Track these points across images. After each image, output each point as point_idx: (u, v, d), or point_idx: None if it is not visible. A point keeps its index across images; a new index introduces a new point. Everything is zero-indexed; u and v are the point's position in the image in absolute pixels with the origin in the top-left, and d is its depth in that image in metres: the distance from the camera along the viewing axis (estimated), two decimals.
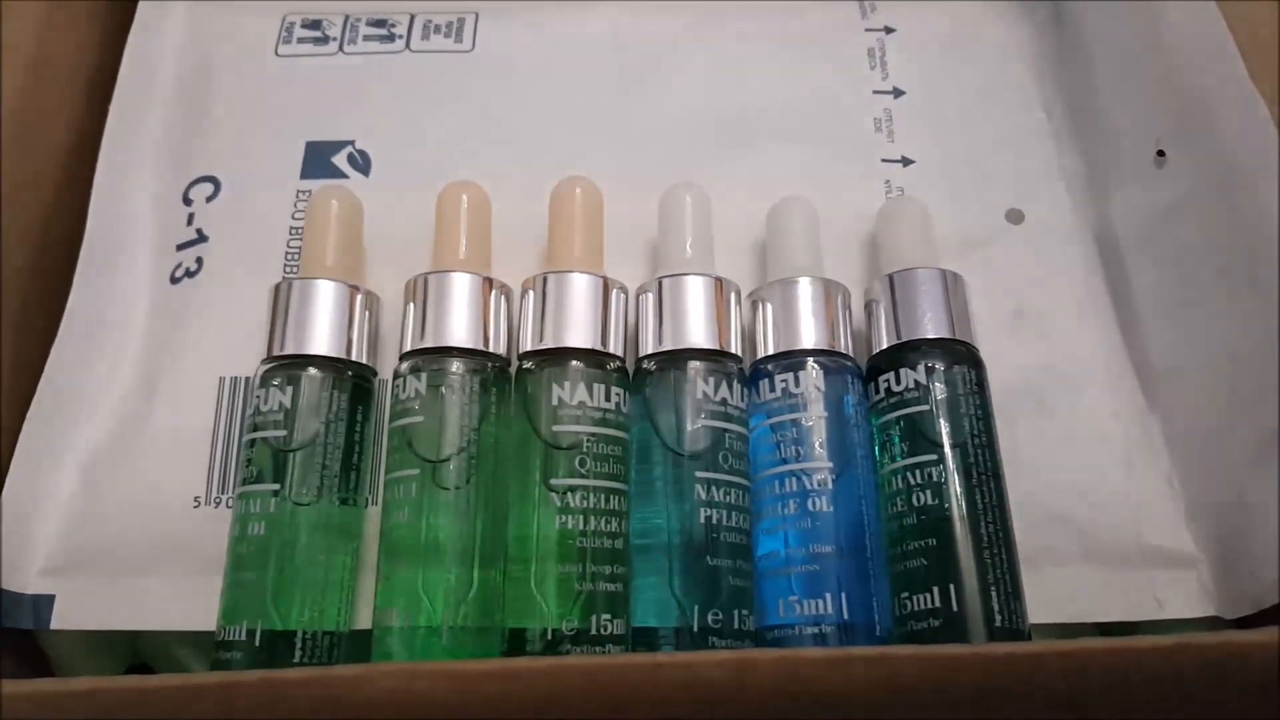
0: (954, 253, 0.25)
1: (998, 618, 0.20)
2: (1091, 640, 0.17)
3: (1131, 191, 0.26)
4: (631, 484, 0.22)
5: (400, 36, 0.29)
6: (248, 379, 0.24)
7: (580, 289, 0.23)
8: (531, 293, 0.23)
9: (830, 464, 0.22)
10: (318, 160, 0.27)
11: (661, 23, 0.29)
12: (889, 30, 0.29)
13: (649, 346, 0.23)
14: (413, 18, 0.29)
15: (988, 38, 0.29)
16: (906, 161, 0.27)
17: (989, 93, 0.28)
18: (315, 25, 0.29)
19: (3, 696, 0.17)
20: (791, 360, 0.23)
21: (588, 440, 0.22)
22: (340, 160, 0.27)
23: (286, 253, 0.26)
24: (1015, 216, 0.27)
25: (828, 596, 0.21)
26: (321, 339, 0.23)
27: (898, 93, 0.28)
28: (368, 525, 0.23)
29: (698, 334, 0.23)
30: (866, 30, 0.29)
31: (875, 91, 0.28)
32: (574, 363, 0.22)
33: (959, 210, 0.26)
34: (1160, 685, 0.17)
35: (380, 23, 0.29)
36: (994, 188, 0.27)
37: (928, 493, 0.21)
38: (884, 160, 0.27)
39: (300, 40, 0.29)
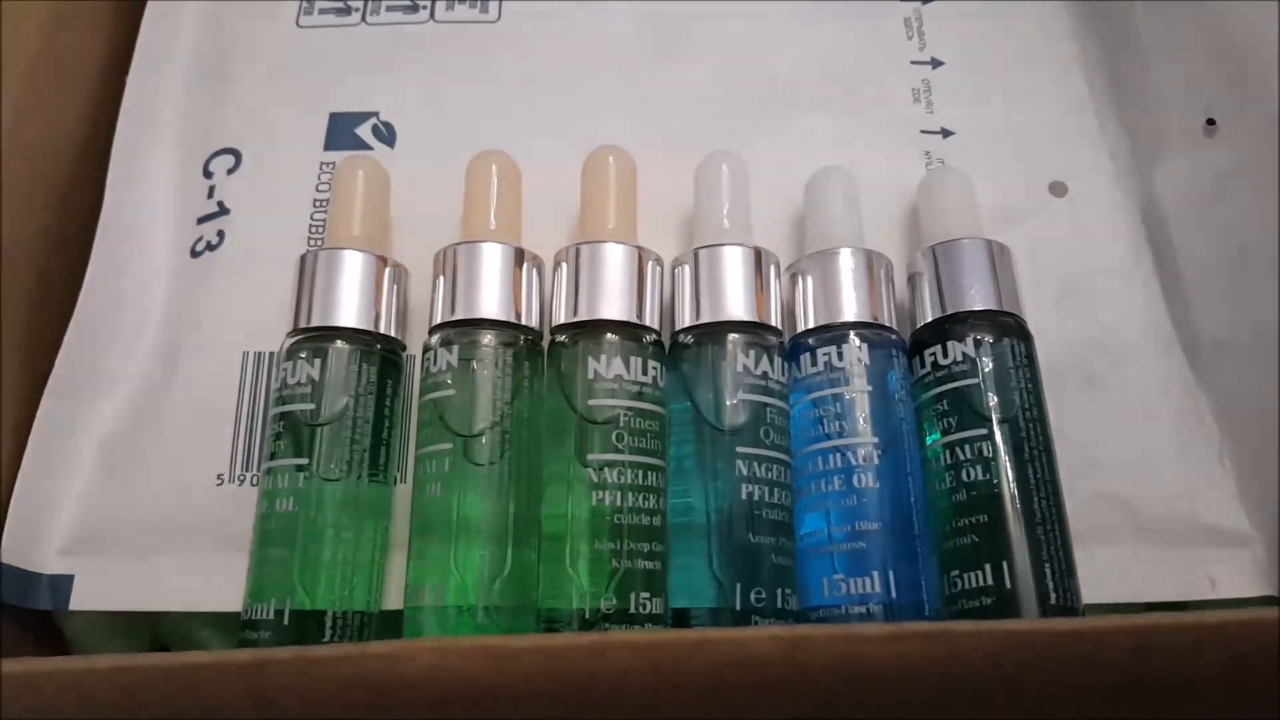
0: (996, 226, 0.24)
1: (1052, 596, 0.19)
2: (1159, 616, 0.17)
3: (1179, 161, 0.25)
4: (669, 460, 0.21)
5: (424, 7, 0.28)
6: (272, 354, 0.23)
7: (615, 260, 0.22)
8: (564, 264, 0.22)
9: (875, 439, 0.21)
10: (341, 132, 0.26)
11: None
12: (925, 0, 0.29)
13: (686, 319, 0.22)
14: None
15: (1026, 7, 0.29)
16: (946, 133, 0.26)
17: (1029, 63, 0.28)
18: None
19: (20, 676, 0.16)
20: (833, 333, 0.22)
21: (624, 415, 0.21)
22: (364, 132, 0.26)
23: (310, 225, 0.25)
24: (1058, 189, 0.26)
25: (874, 575, 0.20)
26: (349, 311, 0.22)
27: (936, 63, 0.28)
28: (397, 502, 0.22)
29: (736, 306, 0.22)
30: (902, 0, 0.29)
31: (913, 62, 0.28)
32: (609, 335, 0.22)
33: (1000, 183, 0.25)
34: (1230, 663, 0.17)
35: None
36: (1036, 160, 0.26)
37: (978, 468, 0.21)
38: (923, 131, 0.27)
39: (322, 11, 0.28)
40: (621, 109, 0.26)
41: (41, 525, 0.22)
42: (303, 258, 0.23)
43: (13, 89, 0.24)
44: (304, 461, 0.21)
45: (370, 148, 0.26)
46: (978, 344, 0.22)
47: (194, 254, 0.25)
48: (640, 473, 0.21)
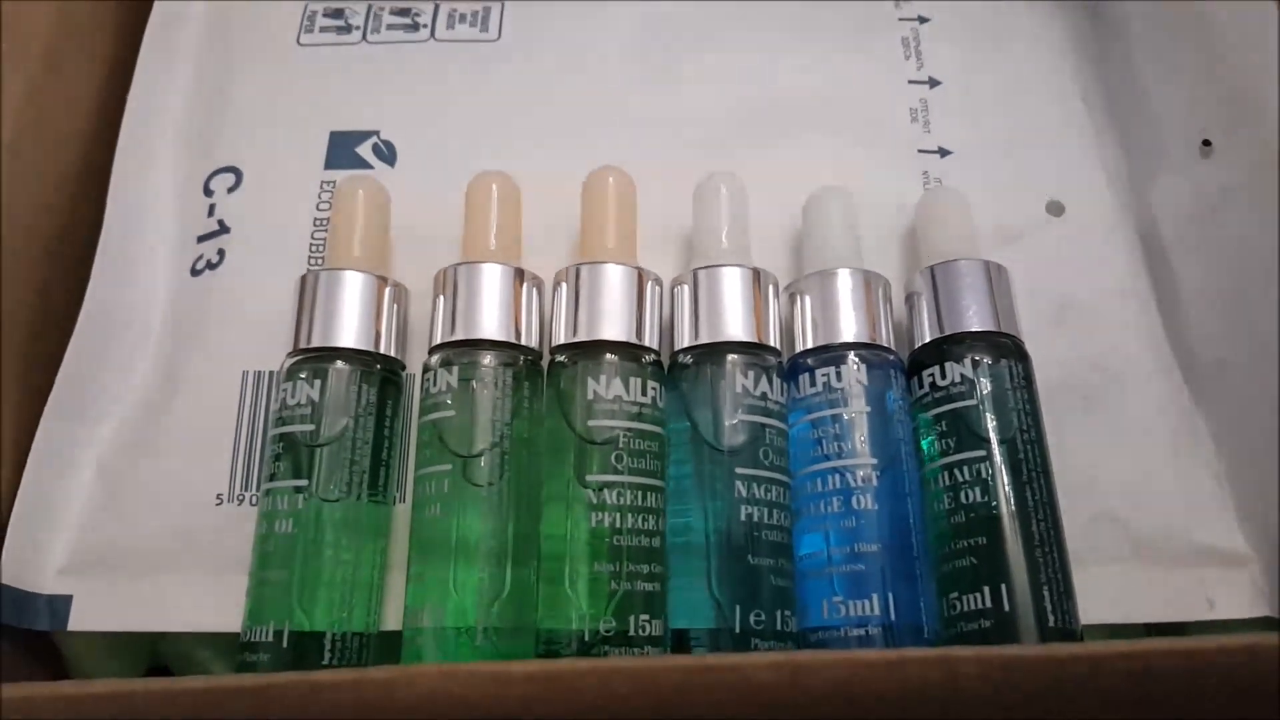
0: (993, 245, 0.25)
1: (1051, 618, 0.19)
2: (1157, 641, 0.17)
3: (1175, 182, 0.25)
4: (668, 481, 0.21)
5: (425, 25, 0.28)
6: (271, 373, 0.23)
7: (614, 280, 0.22)
8: (564, 284, 0.22)
9: (874, 460, 0.21)
10: (342, 150, 0.26)
11: (692, 12, 0.28)
12: (923, 20, 0.29)
13: (685, 340, 0.22)
14: (437, 6, 0.29)
15: (1023, 27, 0.29)
16: (944, 152, 0.27)
17: (1026, 83, 0.28)
18: (338, 15, 0.29)
19: (18, 699, 0.16)
20: (832, 354, 0.22)
21: (623, 436, 0.21)
22: (365, 150, 0.26)
23: (310, 244, 0.25)
24: (1055, 209, 0.26)
25: (874, 597, 0.20)
26: (349, 331, 0.22)
27: (933, 83, 0.28)
28: (397, 523, 0.22)
29: (735, 326, 0.22)
30: (900, 20, 0.29)
31: (911, 81, 0.28)
32: (609, 356, 0.22)
33: (998, 202, 0.26)
34: (1229, 688, 0.17)
35: (404, 11, 0.29)
36: (1033, 179, 0.26)
37: (976, 490, 0.21)
38: (921, 151, 0.27)
39: (323, 30, 0.28)
40: (621, 129, 0.26)
41: (40, 545, 0.22)
42: (303, 278, 0.23)
43: (13, 106, 0.24)
44: (303, 482, 0.21)
45: (371, 167, 0.26)
46: (975, 365, 0.22)
47: (194, 273, 0.25)
48: (639, 493, 0.21)
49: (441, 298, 0.22)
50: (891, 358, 0.22)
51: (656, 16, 0.28)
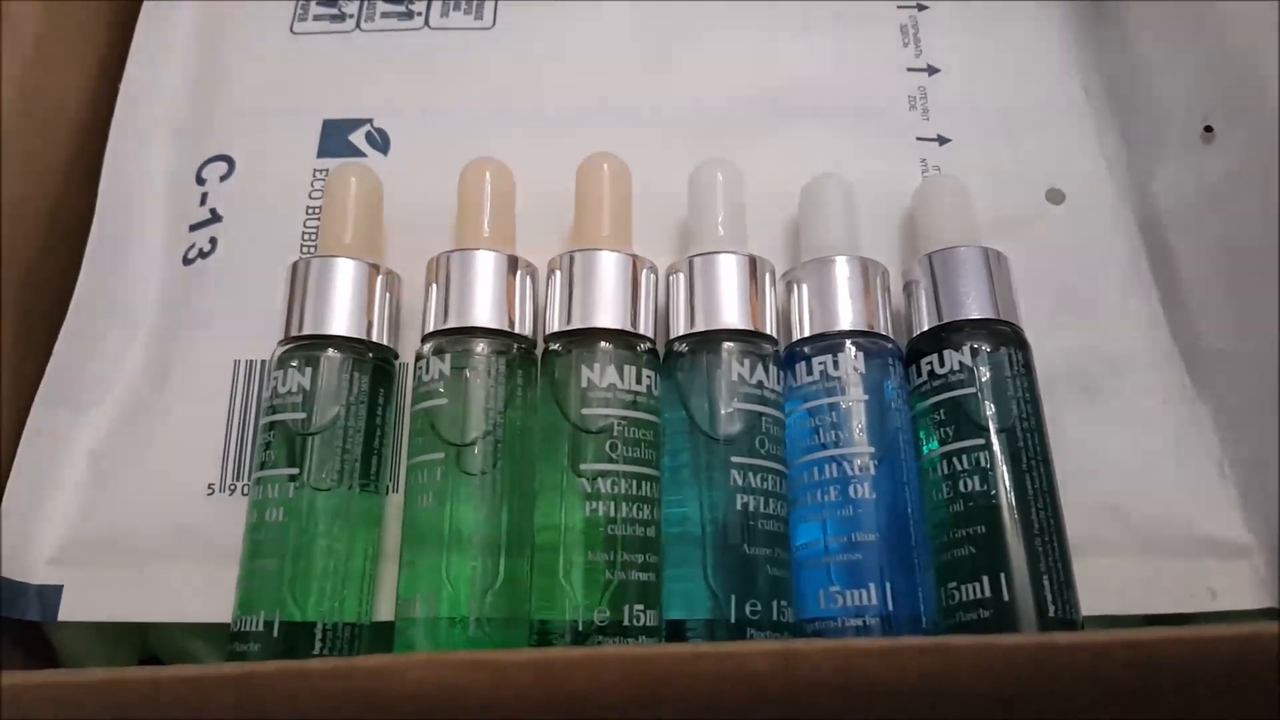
0: (993, 234, 0.24)
1: (1051, 608, 0.19)
2: (1159, 630, 0.17)
3: (1177, 169, 0.25)
4: (663, 470, 0.21)
5: (419, 14, 0.28)
6: (263, 362, 0.23)
7: (609, 268, 0.22)
8: (558, 272, 0.22)
9: (871, 449, 0.21)
10: (335, 138, 0.26)
11: None
12: (921, 7, 0.28)
13: (680, 328, 0.22)
14: None
15: (1022, 14, 0.28)
16: (942, 140, 0.26)
17: (1025, 70, 0.27)
18: (331, 3, 0.28)
19: (9, 689, 0.16)
20: (829, 342, 0.22)
21: (618, 424, 0.21)
22: (358, 138, 0.26)
23: (303, 233, 0.25)
24: (1055, 196, 0.26)
25: (871, 587, 0.20)
26: (341, 319, 0.22)
27: (932, 70, 0.27)
28: (389, 512, 0.22)
29: (731, 314, 0.22)
30: (898, 7, 0.28)
31: (909, 69, 0.27)
32: (603, 344, 0.21)
33: (997, 190, 0.25)
34: (1230, 677, 0.16)
35: None
36: (1033, 167, 0.26)
37: (975, 479, 0.20)
38: (919, 139, 0.26)
39: (316, 18, 0.28)
40: (616, 116, 0.26)
41: (31, 535, 0.22)
42: (294, 265, 0.23)
43: (6, 95, 0.24)
44: (295, 471, 0.21)
45: (364, 154, 0.26)
46: (974, 353, 0.21)
47: (186, 261, 0.25)
48: (634, 483, 0.20)
49: (434, 285, 0.22)
50: (889, 346, 0.22)
51: (652, 3, 0.28)
